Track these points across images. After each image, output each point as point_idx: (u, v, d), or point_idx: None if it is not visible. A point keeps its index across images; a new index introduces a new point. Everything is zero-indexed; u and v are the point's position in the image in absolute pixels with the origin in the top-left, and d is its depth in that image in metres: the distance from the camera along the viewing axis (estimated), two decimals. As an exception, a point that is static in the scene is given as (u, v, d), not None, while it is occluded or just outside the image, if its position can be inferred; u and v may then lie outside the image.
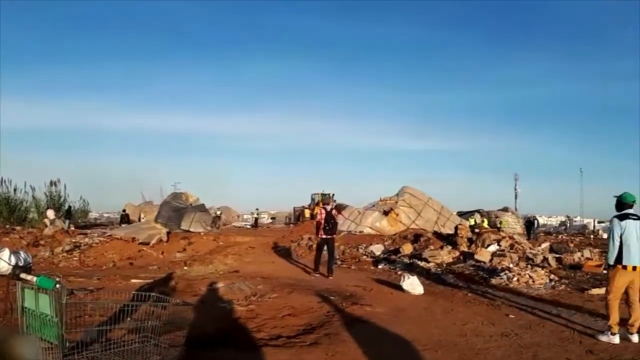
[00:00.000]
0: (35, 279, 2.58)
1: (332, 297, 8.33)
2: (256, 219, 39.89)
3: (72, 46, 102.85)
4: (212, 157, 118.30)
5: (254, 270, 12.60)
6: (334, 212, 11.49)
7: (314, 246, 14.17)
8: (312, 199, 34.76)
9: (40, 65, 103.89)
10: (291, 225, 34.76)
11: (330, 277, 11.08)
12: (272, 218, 51.66)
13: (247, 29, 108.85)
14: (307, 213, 33.60)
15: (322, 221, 11.27)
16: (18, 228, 19.03)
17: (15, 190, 21.32)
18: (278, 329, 6.25)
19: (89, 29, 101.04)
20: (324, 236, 11.36)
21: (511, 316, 7.33)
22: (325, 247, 11.55)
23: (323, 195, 33.94)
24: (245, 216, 47.96)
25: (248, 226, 37.85)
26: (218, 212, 31.19)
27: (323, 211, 11.48)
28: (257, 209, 41.16)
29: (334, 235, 11.72)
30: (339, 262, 15.24)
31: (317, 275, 11.41)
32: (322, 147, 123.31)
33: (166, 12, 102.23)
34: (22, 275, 2.62)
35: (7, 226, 18.91)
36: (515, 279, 10.60)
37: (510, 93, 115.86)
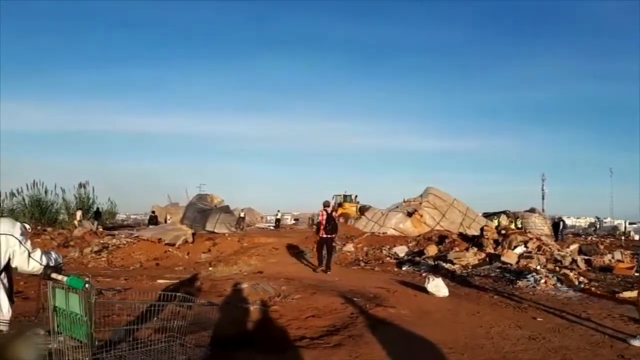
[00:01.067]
0: (65, 278, 2.64)
1: (355, 299, 8.30)
2: (278, 220, 40.07)
3: (93, 49, 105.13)
4: (234, 159, 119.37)
5: (277, 271, 12.66)
6: (334, 214, 12.43)
7: (336, 247, 15.31)
8: (335, 200, 34.64)
9: (67, 70, 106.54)
10: (314, 226, 34.73)
11: (329, 273, 11.84)
12: (295, 219, 51.82)
13: (262, 30, 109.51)
14: None
15: (324, 222, 12.16)
16: (49, 229, 19.55)
17: (46, 192, 21.89)
18: (302, 330, 6.26)
19: (105, 32, 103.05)
20: (324, 235, 12.22)
21: (539, 319, 7.17)
22: (325, 246, 12.41)
23: (345, 196, 33.95)
24: (268, 217, 48.22)
25: (272, 227, 38.04)
26: (242, 214, 31.43)
27: (324, 213, 12.30)
28: (278, 211, 41.38)
29: (334, 235, 12.58)
30: (362, 264, 15.24)
31: (320, 271, 12.24)
32: (345, 149, 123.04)
33: (180, 15, 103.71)
34: (53, 275, 2.68)
35: (39, 227, 19.42)
36: (542, 281, 10.39)
37: (538, 92, 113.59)
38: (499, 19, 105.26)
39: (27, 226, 2.87)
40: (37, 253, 2.60)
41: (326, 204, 12.75)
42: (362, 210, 30.44)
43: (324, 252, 12.44)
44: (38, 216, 20.71)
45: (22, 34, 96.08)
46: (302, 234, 22.83)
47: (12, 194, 20.86)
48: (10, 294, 2.50)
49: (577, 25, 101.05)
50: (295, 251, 18.14)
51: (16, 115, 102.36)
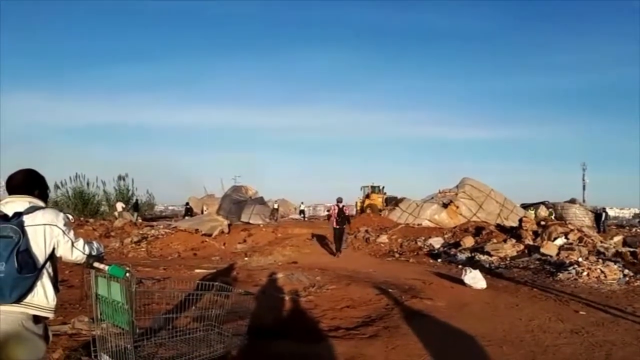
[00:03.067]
0: (107, 267, 2.70)
1: (390, 290, 8.25)
2: (302, 211, 40.22)
3: (132, 44, 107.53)
4: (268, 150, 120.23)
5: (311, 261, 12.72)
6: (344, 208, 14.83)
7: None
8: (363, 191, 34.64)
9: (110, 65, 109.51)
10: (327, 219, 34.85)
11: (339, 255, 14.32)
12: (327, 210, 51.88)
13: (297, 22, 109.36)
14: (358, 205, 33.53)
15: (335, 215, 14.56)
16: (91, 220, 20.21)
17: (88, 184, 22.60)
18: (337, 321, 6.26)
19: (146, 27, 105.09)
20: (336, 226, 14.56)
21: (581, 313, 6.94)
22: (337, 234, 14.69)
23: (373, 187, 33.86)
24: (301, 208, 48.47)
25: (305, 218, 38.28)
26: (276, 205, 31.71)
27: (336, 207, 14.65)
28: (302, 202, 41.59)
29: (344, 226, 14.73)
30: (396, 255, 15.17)
31: (340, 255, 14.40)
32: (379, 139, 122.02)
33: (220, 9, 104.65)
34: (95, 264, 2.74)
35: (81, 218, 20.10)
36: (585, 273, 10.06)
37: (577, 78, 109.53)
38: (536, 2, 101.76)
39: (70, 217, 2.95)
40: (80, 243, 2.68)
41: (339, 200, 14.77)
42: (389, 201, 30.46)
43: (338, 240, 14.72)
44: (81, 207, 21.41)
45: (64, 31, 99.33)
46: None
47: (57, 186, 21.64)
48: (55, 282, 2.58)
49: (622, 9, 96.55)
50: (329, 242, 18.19)
51: (59, 110, 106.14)
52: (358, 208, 32.95)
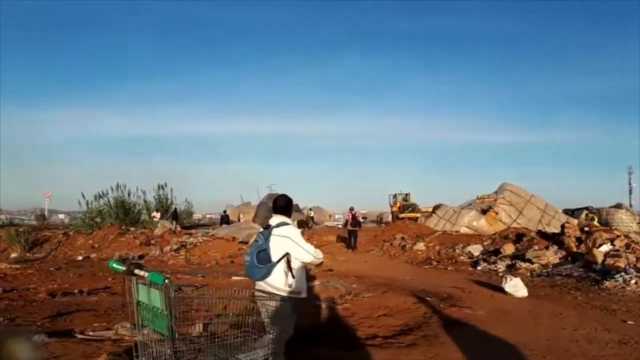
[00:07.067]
0: (147, 274, 2.76)
1: (428, 298, 8.11)
2: (311, 218, 39.90)
3: (171, 54, 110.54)
4: (302, 158, 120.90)
5: (347, 269, 12.66)
6: (357, 214, 19.43)
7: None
8: (394, 199, 34.66)
9: (147, 77, 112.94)
10: (382, 224, 34.75)
11: (356, 250, 18.24)
12: (363, 217, 51.66)
13: (328, 29, 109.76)
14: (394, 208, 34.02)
15: (350, 219, 18.99)
16: (132, 229, 20.73)
17: (129, 194, 23.16)
18: (374, 329, 6.20)
19: (183, 37, 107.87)
20: (350, 229, 18.97)
21: (629, 322, 6.64)
22: (352, 235, 18.91)
23: (400, 195, 33.93)
24: (336, 216, 48.35)
25: (340, 226, 38.11)
26: (310, 213, 31.78)
27: (350, 214, 19.09)
28: (309, 208, 41.39)
29: (357, 228, 19.06)
30: (434, 263, 14.95)
31: (356, 250, 18.27)
32: (415, 145, 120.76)
33: (253, 15, 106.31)
34: (136, 271, 2.81)
35: (123, 227, 20.65)
36: (633, 282, 9.63)
37: (620, 80, 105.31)
38: (575, 4, 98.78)
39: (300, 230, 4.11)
40: (309, 247, 3.88)
41: (351, 209, 19.38)
42: (406, 208, 31.62)
43: (352, 238, 18.86)
44: (122, 217, 21.96)
45: (104, 46, 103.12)
46: (371, 232, 22.63)
47: (99, 196, 22.29)
48: (290, 272, 3.78)
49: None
50: (364, 249, 18.07)
51: (102, 122, 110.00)
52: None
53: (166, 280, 2.71)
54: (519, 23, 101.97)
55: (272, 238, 3.78)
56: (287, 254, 3.78)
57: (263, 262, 3.75)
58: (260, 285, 3.81)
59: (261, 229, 4.05)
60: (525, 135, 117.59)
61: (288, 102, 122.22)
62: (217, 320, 3.60)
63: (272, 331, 3.52)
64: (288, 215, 4.04)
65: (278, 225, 3.86)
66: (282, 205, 4.06)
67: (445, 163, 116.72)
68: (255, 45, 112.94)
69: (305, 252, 3.83)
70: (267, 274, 3.74)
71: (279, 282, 3.75)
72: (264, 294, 3.64)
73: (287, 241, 3.77)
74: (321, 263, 4.11)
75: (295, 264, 3.83)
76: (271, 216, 4.07)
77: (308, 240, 4.00)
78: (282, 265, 3.77)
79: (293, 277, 3.79)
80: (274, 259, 3.74)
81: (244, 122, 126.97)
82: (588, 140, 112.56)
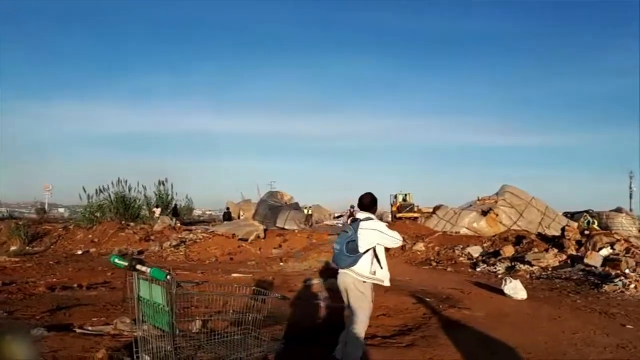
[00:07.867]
0: (149, 270, 2.76)
1: (428, 299, 8.11)
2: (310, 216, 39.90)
3: (168, 54, 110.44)
4: (301, 157, 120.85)
5: (347, 268, 12.63)
6: (354, 212, 18.44)
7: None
8: (395, 199, 34.76)
9: (146, 74, 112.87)
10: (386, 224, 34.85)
11: None
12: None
13: (327, 28, 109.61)
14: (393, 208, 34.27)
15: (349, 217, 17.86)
16: (132, 224, 20.73)
17: (130, 189, 23.13)
18: (373, 329, 6.18)
19: (181, 36, 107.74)
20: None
21: (629, 326, 6.62)
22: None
23: (401, 195, 34.04)
24: (336, 214, 48.29)
25: (340, 225, 38.11)
26: (310, 211, 31.76)
27: (349, 212, 18.97)
28: (309, 207, 41.47)
29: None
30: (433, 264, 14.95)
31: None
32: (415, 145, 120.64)
33: (250, 15, 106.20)
34: (138, 267, 2.82)
35: (123, 222, 20.65)
36: (632, 286, 9.61)
37: (624, 83, 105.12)
38: (586, 6, 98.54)
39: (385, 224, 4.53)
40: (394, 233, 4.35)
41: (352, 207, 19.51)
42: (402, 208, 31.82)
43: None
44: (122, 212, 21.95)
45: (108, 42, 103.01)
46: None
47: (100, 191, 22.27)
48: (377, 262, 4.29)
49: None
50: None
51: (103, 117, 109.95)
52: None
53: (168, 277, 2.72)
54: (522, 24, 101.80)
55: (361, 231, 4.20)
56: (374, 246, 4.24)
57: (351, 252, 4.19)
58: (345, 272, 4.30)
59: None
60: (527, 137, 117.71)
61: (291, 101, 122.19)
62: (217, 317, 3.60)
63: (357, 314, 4.23)
64: (373, 211, 4.52)
65: (365, 220, 4.32)
66: (367, 203, 4.52)
67: (446, 164, 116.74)
68: (260, 42, 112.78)
69: (394, 240, 4.30)
70: (354, 263, 4.20)
71: (364, 270, 4.23)
72: (261, 295, 3.63)
73: (377, 234, 4.22)
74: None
75: (382, 255, 4.31)
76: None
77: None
78: (370, 255, 4.24)
79: (381, 267, 4.29)
80: (362, 249, 4.18)
81: (245, 119, 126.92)
82: (590, 143, 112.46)
